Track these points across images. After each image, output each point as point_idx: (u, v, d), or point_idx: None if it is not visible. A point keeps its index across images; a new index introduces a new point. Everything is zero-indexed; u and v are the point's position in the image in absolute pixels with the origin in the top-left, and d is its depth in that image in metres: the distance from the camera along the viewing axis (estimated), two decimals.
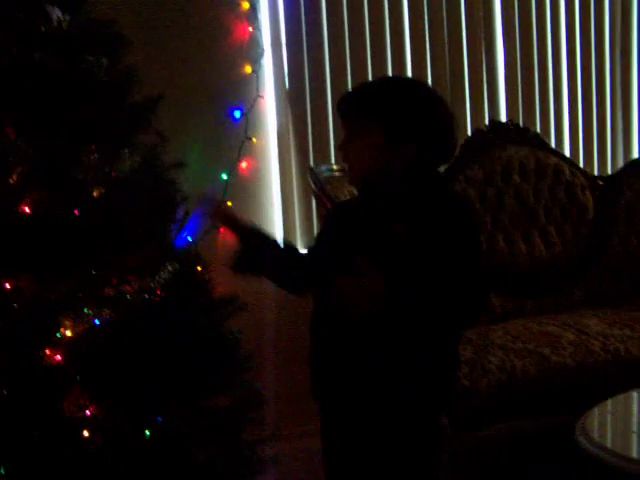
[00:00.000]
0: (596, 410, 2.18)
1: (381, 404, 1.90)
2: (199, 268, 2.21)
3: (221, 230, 2.02)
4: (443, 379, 1.97)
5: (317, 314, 1.99)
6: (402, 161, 1.84)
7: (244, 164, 3.34)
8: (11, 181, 1.75)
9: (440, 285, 1.78)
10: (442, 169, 2.79)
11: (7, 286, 1.76)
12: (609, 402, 2.28)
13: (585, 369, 2.81)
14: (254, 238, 2.01)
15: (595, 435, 2.01)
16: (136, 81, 2.08)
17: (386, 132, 1.83)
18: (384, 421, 1.91)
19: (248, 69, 3.32)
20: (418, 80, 2.23)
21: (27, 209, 1.76)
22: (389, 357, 1.85)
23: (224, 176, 3.30)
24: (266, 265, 2.01)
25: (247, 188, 3.35)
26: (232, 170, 3.32)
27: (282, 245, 2.08)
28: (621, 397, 2.33)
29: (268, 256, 2.01)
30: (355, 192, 2.06)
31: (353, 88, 1.97)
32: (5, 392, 1.71)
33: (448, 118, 1.90)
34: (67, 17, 1.95)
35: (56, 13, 1.91)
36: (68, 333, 1.80)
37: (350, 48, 3.44)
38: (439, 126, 1.88)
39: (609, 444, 2.01)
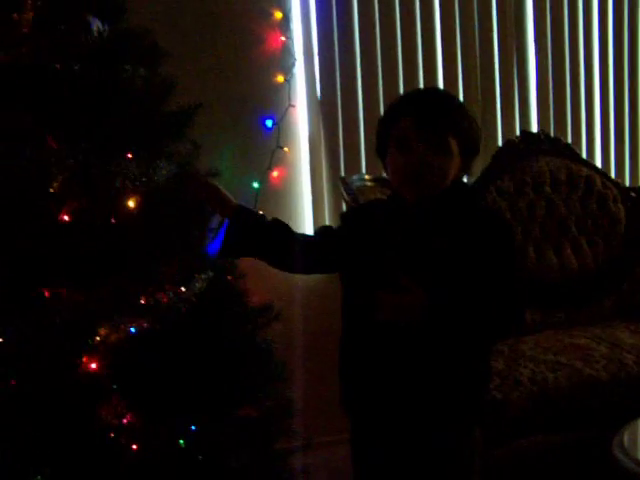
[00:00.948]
0: (633, 425, 2.15)
1: (417, 416, 1.89)
2: (232, 277, 2.21)
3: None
4: (477, 391, 1.96)
5: (349, 325, 1.99)
6: (463, 173, 1.92)
7: (275, 173, 3.36)
8: (52, 190, 1.76)
9: (479, 299, 1.78)
10: (469, 179, 2.83)
11: (46, 294, 1.77)
12: None
13: (618, 383, 2.79)
14: (243, 217, 2.02)
15: (633, 451, 1.99)
16: (172, 90, 2.09)
17: (462, 151, 1.87)
18: (419, 433, 1.91)
19: (280, 78, 3.33)
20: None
21: (67, 217, 1.77)
22: (427, 369, 1.85)
23: (255, 185, 3.32)
24: (258, 245, 2.03)
25: (278, 197, 3.36)
26: (263, 179, 3.33)
27: (272, 223, 2.07)
28: None
29: (258, 233, 2.02)
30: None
31: (432, 99, 1.93)
32: (43, 399, 1.72)
33: (480, 134, 1.96)
34: (106, 27, 1.97)
35: (96, 23, 1.93)
36: (105, 341, 1.80)
37: (382, 58, 3.45)
38: (478, 144, 1.94)
39: None
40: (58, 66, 1.81)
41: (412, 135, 1.84)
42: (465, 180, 2.05)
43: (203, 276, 2.03)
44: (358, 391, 1.97)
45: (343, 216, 2.17)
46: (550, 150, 3.51)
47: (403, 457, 1.93)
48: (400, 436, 1.92)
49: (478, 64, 3.61)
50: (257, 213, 2.11)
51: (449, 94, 2.03)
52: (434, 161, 1.84)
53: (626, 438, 2.06)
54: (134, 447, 1.77)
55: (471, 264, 1.81)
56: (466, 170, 1.93)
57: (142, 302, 1.89)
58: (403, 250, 1.88)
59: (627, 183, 3.84)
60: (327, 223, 3.39)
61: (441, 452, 1.91)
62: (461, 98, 3.57)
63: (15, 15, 1.77)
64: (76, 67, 1.85)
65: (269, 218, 2.09)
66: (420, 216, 1.90)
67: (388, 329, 1.82)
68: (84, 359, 1.78)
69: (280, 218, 2.11)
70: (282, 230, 2.07)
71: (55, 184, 1.76)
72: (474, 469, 1.96)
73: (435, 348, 1.84)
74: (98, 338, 1.81)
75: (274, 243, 2.04)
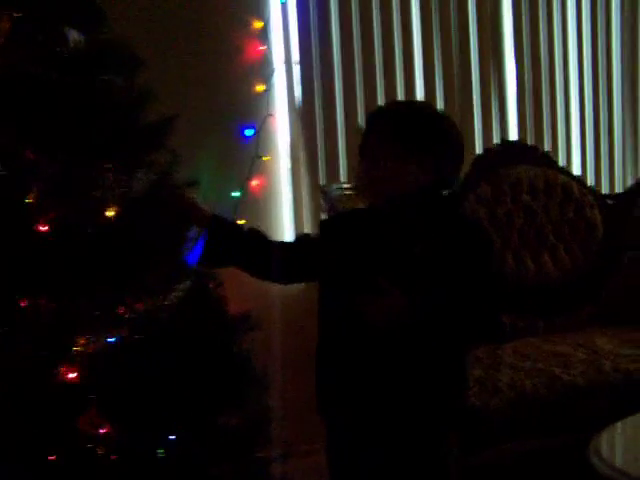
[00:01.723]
0: (609, 431, 2.17)
1: (392, 421, 1.90)
2: (211, 286, 2.22)
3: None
4: (453, 396, 1.98)
5: (326, 330, 2.00)
6: (426, 184, 1.90)
7: (255, 182, 3.36)
8: (28, 200, 1.76)
9: (456, 304, 1.81)
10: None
11: (23, 304, 1.77)
12: (622, 423, 2.27)
13: (596, 389, 2.81)
14: (220, 228, 2.04)
15: (608, 456, 2.01)
16: (150, 100, 2.10)
17: (419, 160, 1.88)
18: (395, 438, 1.92)
19: (259, 87, 3.34)
20: (432, 104, 2.29)
21: (44, 228, 1.77)
22: (403, 373, 1.86)
23: (235, 194, 3.31)
24: (235, 254, 2.05)
25: (258, 206, 3.36)
26: (243, 188, 3.33)
27: (249, 232, 2.09)
28: (633, 418, 2.32)
29: (235, 243, 2.04)
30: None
31: (383, 111, 2.03)
32: (20, 409, 1.71)
33: (461, 142, 1.96)
34: (83, 37, 1.97)
35: (72, 34, 1.93)
36: (83, 351, 1.80)
37: (361, 67, 3.46)
38: (453, 145, 1.94)
39: (623, 466, 2.00)
40: (35, 77, 1.81)
41: (362, 145, 1.94)
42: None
43: (181, 285, 2.04)
44: (334, 396, 1.98)
45: (322, 224, 2.18)
46: (528, 158, 3.53)
47: (379, 462, 1.93)
48: (376, 441, 1.93)
49: (456, 73, 3.63)
50: (233, 222, 2.12)
51: (410, 104, 2.08)
52: (377, 170, 1.89)
53: (601, 443, 2.08)
54: (112, 457, 1.76)
55: (449, 270, 1.83)
56: (442, 175, 1.93)
57: (120, 312, 1.90)
58: (381, 256, 1.90)
59: (604, 190, 3.87)
60: (307, 231, 3.39)
61: (417, 457, 1.92)
62: (440, 107, 3.59)
63: None
64: (54, 77, 1.85)
65: (246, 227, 2.10)
66: (394, 222, 1.92)
67: (364, 334, 1.84)
68: (62, 369, 1.78)
69: (260, 227, 2.12)
70: (258, 239, 2.09)
71: (32, 194, 1.76)
72: (450, 474, 1.98)
73: (412, 352, 1.85)
74: (76, 348, 1.81)
75: (251, 252, 2.06)
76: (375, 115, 2.01)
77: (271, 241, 2.11)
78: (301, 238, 2.21)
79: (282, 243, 2.19)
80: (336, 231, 2.06)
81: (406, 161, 1.88)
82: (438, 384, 1.91)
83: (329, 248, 2.02)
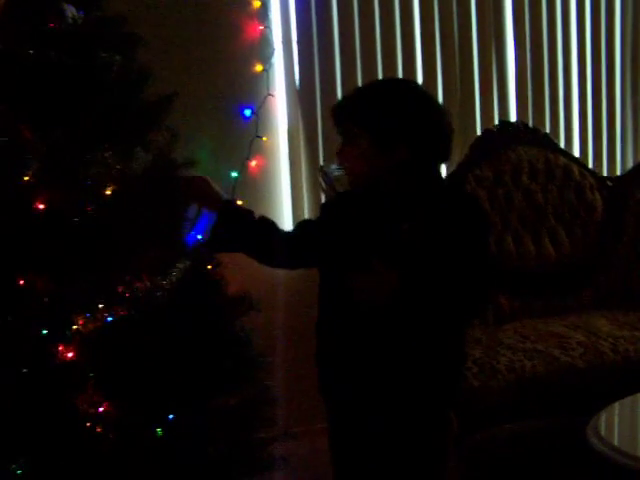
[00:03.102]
0: (607, 411, 2.18)
1: (391, 399, 1.90)
2: (210, 266, 2.21)
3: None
4: (450, 374, 1.99)
5: (325, 310, 2.00)
6: (396, 163, 1.87)
7: (254, 162, 3.36)
8: (26, 178, 1.74)
9: (447, 280, 1.80)
10: (449, 168, 2.82)
11: (21, 283, 1.76)
12: (620, 403, 2.28)
13: (594, 370, 2.82)
14: (229, 212, 2.05)
15: (607, 436, 2.01)
16: (149, 79, 2.08)
17: (373, 137, 1.86)
18: (392, 414, 1.93)
19: (259, 68, 3.33)
20: (408, 81, 2.25)
21: (41, 206, 1.76)
22: (400, 352, 1.86)
23: (234, 174, 3.31)
24: (242, 239, 2.05)
25: (257, 186, 3.36)
26: (242, 168, 3.33)
27: (259, 219, 2.09)
28: (632, 398, 2.32)
29: (244, 229, 2.05)
30: None
31: (343, 95, 2.03)
32: (19, 388, 1.71)
33: (438, 116, 1.91)
34: (81, 14, 1.95)
35: (70, 10, 1.91)
36: (81, 330, 1.80)
37: (361, 47, 3.45)
38: (429, 125, 1.88)
39: (621, 445, 2.00)
40: (32, 53, 1.79)
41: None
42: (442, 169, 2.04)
43: (180, 265, 2.03)
44: (334, 375, 1.99)
45: (323, 206, 2.18)
46: (528, 140, 3.52)
47: (379, 441, 1.94)
48: (376, 420, 1.94)
49: (457, 54, 3.61)
50: (245, 209, 2.11)
51: (373, 85, 2.05)
52: (344, 155, 1.92)
53: (600, 423, 2.08)
54: (111, 436, 1.76)
55: (439, 246, 1.82)
56: (423, 155, 1.89)
57: (119, 291, 1.89)
58: (372, 236, 1.89)
59: (604, 172, 3.87)
60: (306, 212, 3.40)
61: (415, 435, 1.92)
62: (440, 88, 3.58)
63: None
64: (51, 54, 1.83)
65: (256, 215, 2.10)
66: (379, 204, 1.92)
67: (362, 313, 1.83)
68: (60, 348, 1.78)
69: (259, 207, 2.12)
70: (268, 227, 2.09)
71: (30, 173, 1.75)
72: (448, 452, 1.98)
73: (407, 330, 1.85)
74: (75, 327, 1.81)
75: (260, 240, 2.06)
76: (341, 100, 2.02)
77: (280, 230, 2.11)
78: (302, 224, 2.20)
79: (287, 232, 2.17)
80: (333, 213, 2.06)
81: (358, 139, 1.87)
82: (433, 361, 1.91)
83: (326, 230, 2.02)
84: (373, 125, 1.86)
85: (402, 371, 1.89)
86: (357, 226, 1.94)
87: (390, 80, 2.27)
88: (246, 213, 2.09)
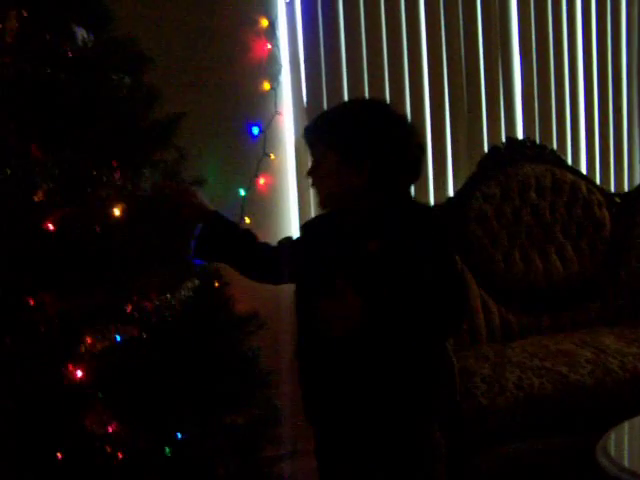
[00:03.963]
0: (616, 431, 2.17)
1: (368, 421, 1.90)
2: (217, 284, 2.22)
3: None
4: (427, 391, 1.95)
5: (300, 333, 2.00)
6: (364, 181, 1.87)
7: (262, 180, 3.37)
8: (36, 199, 1.76)
9: (415, 299, 1.78)
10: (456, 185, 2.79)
11: (31, 302, 1.77)
12: (630, 422, 2.27)
13: (603, 388, 2.80)
14: (216, 223, 2.08)
15: (616, 456, 2.00)
16: (157, 99, 2.10)
17: (340, 155, 1.87)
18: (374, 438, 1.91)
19: (266, 86, 3.34)
20: (376, 100, 2.25)
21: (51, 226, 1.77)
22: (371, 374, 1.86)
23: (242, 192, 3.32)
24: (226, 250, 2.09)
25: (265, 204, 3.37)
26: (250, 186, 3.34)
27: (242, 233, 2.13)
28: None
29: (229, 241, 2.08)
30: None
31: (313, 118, 2.03)
32: (28, 408, 1.71)
33: (404, 133, 1.91)
34: (91, 36, 1.97)
35: (81, 32, 1.93)
36: (90, 349, 1.80)
37: (367, 65, 3.46)
38: (394, 142, 1.88)
39: (631, 466, 1.99)
40: (43, 75, 1.81)
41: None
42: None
43: (189, 284, 2.04)
44: (315, 401, 1.98)
45: (302, 226, 2.19)
46: (535, 156, 3.53)
47: (365, 463, 1.93)
48: (358, 442, 1.93)
49: (464, 71, 3.62)
50: (231, 221, 2.13)
51: (339, 106, 2.06)
52: (314, 174, 1.94)
53: (609, 443, 2.07)
54: (119, 455, 1.77)
55: (404, 264, 1.80)
56: (387, 173, 1.88)
57: (127, 310, 1.90)
58: (338, 257, 1.90)
59: (612, 189, 3.86)
60: None
61: (398, 454, 1.90)
62: (447, 105, 3.59)
63: None
64: (61, 76, 1.85)
65: (241, 228, 2.14)
66: (346, 224, 1.93)
67: (331, 337, 1.82)
68: (69, 367, 1.78)
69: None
70: (252, 241, 2.13)
71: (39, 193, 1.76)
72: (436, 472, 1.96)
73: (376, 352, 1.83)
74: (83, 346, 1.81)
75: (240, 252, 2.10)
76: (311, 122, 2.02)
77: (260, 243, 2.14)
78: (283, 241, 2.21)
79: (268, 246, 2.18)
80: (310, 234, 2.08)
81: (325, 157, 1.89)
82: (407, 379, 1.88)
83: (297, 250, 2.06)
84: (339, 142, 1.88)
85: (374, 392, 1.87)
86: (323, 246, 1.95)
87: (357, 100, 2.28)
88: (231, 225, 2.13)
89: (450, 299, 1.84)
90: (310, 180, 1.99)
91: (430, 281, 1.80)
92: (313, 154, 1.96)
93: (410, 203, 1.96)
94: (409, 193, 2.00)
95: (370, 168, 1.86)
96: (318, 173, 1.93)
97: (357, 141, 1.87)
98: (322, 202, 1.98)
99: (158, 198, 2.01)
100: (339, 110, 1.99)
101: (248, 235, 2.15)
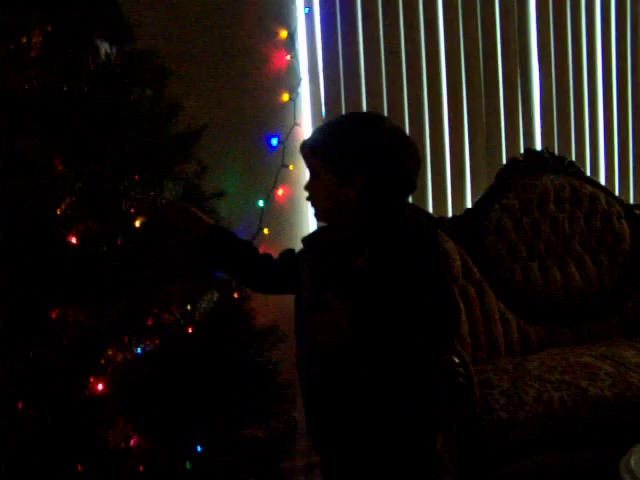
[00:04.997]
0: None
1: (363, 437, 1.88)
2: (236, 295, 2.23)
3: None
4: (426, 408, 1.93)
5: (299, 349, 2.00)
6: (357, 194, 1.86)
7: (280, 191, 3.37)
8: (59, 212, 1.77)
9: (401, 315, 1.76)
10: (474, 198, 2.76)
11: (53, 316, 1.77)
12: None
13: (624, 402, 2.78)
14: (215, 235, 2.09)
15: (639, 473, 1.99)
16: (178, 111, 2.11)
17: (333, 168, 1.87)
18: (369, 455, 1.90)
19: (285, 97, 3.35)
20: (372, 114, 2.24)
21: (74, 240, 1.78)
22: (362, 389, 1.84)
23: (261, 203, 3.33)
24: (224, 261, 2.11)
25: (283, 215, 3.37)
26: (269, 197, 3.34)
27: (242, 244, 2.14)
28: None
29: (230, 252, 2.10)
30: None
31: (316, 129, 2.02)
32: (50, 421, 1.72)
33: (397, 150, 1.89)
34: (114, 50, 1.98)
35: (104, 46, 1.94)
36: (111, 362, 1.81)
37: (386, 77, 3.46)
38: (387, 155, 1.87)
39: None
40: (66, 89, 1.82)
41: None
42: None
43: (208, 297, 2.04)
44: (312, 414, 1.97)
45: (302, 240, 2.18)
46: (554, 168, 3.52)
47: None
48: (355, 459, 1.92)
49: (482, 83, 3.62)
50: (231, 233, 2.14)
51: (336, 120, 2.05)
52: (310, 189, 1.93)
53: (633, 459, 2.05)
54: (140, 469, 1.77)
55: (393, 280, 1.79)
56: (381, 188, 1.87)
57: (148, 323, 1.90)
58: (329, 272, 1.90)
59: (631, 200, 3.84)
60: None
61: (396, 473, 1.89)
62: (465, 117, 3.59)
63: (24, 39, 1.78)
64: (84, 89, 1.86)
65: (243, 240, 2.16)
66: (338, 238, 1.93)
67: (324, 352, 1.81)
68: (91, 380, 1.79)
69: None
70: (252, 252, 2.15)
71: (63, 206, 1.77)
72: (432, 472, 1.95)
73: (367, 366, 1.82)
74: (105, 359, 1.82)
75: (240, 262, 2.12)
76: (308, 137, 2.01)
77: (261, 255, 2.17)
78: (284, 253, 2.20)
79: (269, 257, 2.19)
80: (307, 247, 2.08)
81: (320, 171, 1.89)
82: (401, 393, 1.86)
83: (293, 264, 2.05)
84: (332, 155, 1.87)
85: (366, 408, 1.85)
86: (315, 261, 1.96)
87: (352, 114, 2.27)
88: (232, 237, 2.14)
89: (445, 314, 1.82)
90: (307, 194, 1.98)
91: (429, 297, 1.79)
92: (309, 168, 1.95)
93: (405, 218, 1.96)
94: (405, 208, 1.99)
95: (364, 184, 1.85)
96: (313, 187, 1.93)
97: (350, 157, 1.86)
98: (317, 216, 1.99)
99: (161, 220, 2.01)
100: (333, 125, 1.97)
101: (248, 246, 2.17)
